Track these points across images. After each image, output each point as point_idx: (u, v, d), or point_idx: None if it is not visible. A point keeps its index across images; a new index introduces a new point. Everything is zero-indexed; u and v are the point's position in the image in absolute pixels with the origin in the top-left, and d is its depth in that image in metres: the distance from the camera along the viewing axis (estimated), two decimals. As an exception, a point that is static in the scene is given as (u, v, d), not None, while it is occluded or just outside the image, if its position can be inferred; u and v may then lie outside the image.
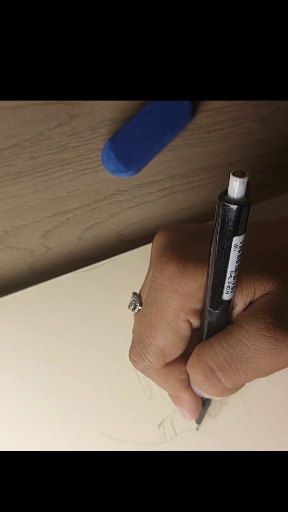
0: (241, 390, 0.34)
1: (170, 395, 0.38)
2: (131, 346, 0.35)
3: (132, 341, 0.35)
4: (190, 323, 0.32)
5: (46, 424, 0.39)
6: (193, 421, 0.40)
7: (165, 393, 0.40)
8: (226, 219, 0.26)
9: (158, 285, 0.32)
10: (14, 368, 0.40)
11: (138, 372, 0.39)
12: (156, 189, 0.45)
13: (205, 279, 0.30)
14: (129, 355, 0.35)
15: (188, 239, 0.33)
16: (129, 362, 0.35)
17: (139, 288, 0.36)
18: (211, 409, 0.40)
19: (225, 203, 0.25)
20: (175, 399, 0.37)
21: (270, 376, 0.32)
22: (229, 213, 0.25)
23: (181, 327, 0.32)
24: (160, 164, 0.44)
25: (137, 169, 0.43)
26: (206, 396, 0.35)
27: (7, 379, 0.40)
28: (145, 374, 0.35)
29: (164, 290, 0.32)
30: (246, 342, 0.30)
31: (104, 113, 0.43)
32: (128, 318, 0.41)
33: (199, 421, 0.39)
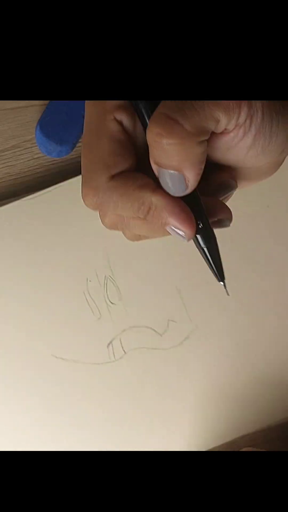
0: (186, 307, 0.37)
1: (151, 228, 0.29)
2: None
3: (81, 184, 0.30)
4: (118, 122, 0.29)
5: None
6: (141, 340, 0.41)
7: (114, 314, 0.41)
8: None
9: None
10: None
11: (87, 294, 0.40)
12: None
13: None
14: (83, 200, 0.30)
15: None
16: (79, 285, 0.37)
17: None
18: (158, 327, 0.41)
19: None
20: (157, 222, 0.29)
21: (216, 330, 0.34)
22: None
23: (110, 129, 0.29)
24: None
25: (73, 145, 0.43)
26: (178, 188, 0.28)
27: None
28: (104, 206, 0.29)
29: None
30: None
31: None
32: (79, 238, 0.41)
33: (220, 277, 0.31)
